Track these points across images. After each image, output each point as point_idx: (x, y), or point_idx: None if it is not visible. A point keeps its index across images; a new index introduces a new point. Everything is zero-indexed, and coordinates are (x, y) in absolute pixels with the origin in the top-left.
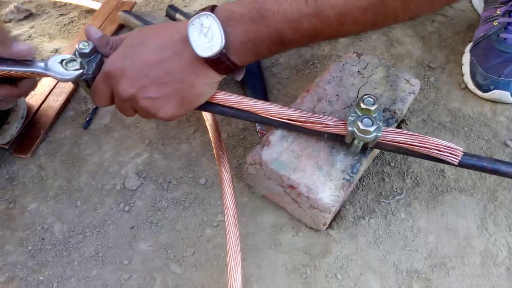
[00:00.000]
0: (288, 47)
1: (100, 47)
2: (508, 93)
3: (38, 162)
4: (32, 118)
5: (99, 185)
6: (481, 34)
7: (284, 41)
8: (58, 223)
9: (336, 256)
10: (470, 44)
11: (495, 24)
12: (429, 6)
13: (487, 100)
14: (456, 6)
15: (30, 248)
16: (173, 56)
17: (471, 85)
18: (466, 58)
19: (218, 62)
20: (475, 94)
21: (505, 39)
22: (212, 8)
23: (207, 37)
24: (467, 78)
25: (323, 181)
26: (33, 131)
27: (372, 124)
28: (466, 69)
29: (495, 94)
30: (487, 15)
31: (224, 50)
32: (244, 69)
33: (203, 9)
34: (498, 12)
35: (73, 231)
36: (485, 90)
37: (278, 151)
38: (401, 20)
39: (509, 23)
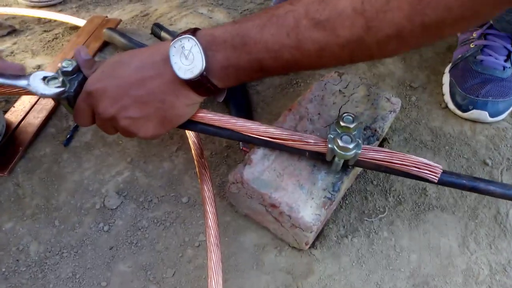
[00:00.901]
0: (269, 74)
1: (84, 68)
2: (486, 113)
3: (15, 180)
4: (11, 134)
5: (78, 204)
6: (459, 56)
7: (264, 68)
8: (34, 243)
9: (319, 276)
10: (450, 65)
11: (472, 46)
12: (403, 48)
13: (466, 119)
14: None
15: (3, 270)
16: (154, 76)
17: (451, 105)
18: (446, 79)
19: (198, 84)
20: (455, 114)
21: (482, 60)
22: (194, 31)
23: (188, 59)
24: (447, 98)
25: (305, 200)
26: (11, 148)
27: (351, 141)
28: (446, 89)
29: (474, 113)
30: (464, 37)
31: (204, 73)
32: (225, 91)
33: (185, 32)
34: (474, 35)
35: (49, 252)
36: (464, 110)
37: (259, 169)
38: (376, 58)
39: (485, 46)
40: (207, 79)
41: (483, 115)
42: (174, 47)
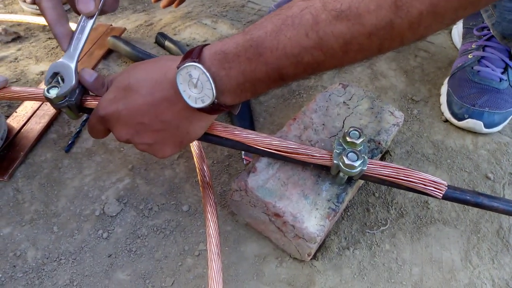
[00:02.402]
0: (288, 82)
1: (95, 91)
2: (481, 123)
3: (15, 185)
4: (12, 140)
5: (78, 210)
6: (457, 66)
7: (284, 76)
8: (32, 249)
9: None
10: (448, 77)
11: (470, 57)
12: (439, 26)
13: (463, 129)
14: (438, 43)
15: (0, 275)
16: (165, 103)
17: (447, 114)
18: (444, 89)
19: (211, 109)
20: (451, 123)
21: (479, 71)
22: (200, 53)
23: (197, 88)
24: (444, 107)
25: (309, 210)
26: (12, 153)
27: (357, 159)
28: (443, 98)
29: (469, 123)
30: (464, 48)
31: (216, 101)
32: (240, 105)
33: (190, 54)
34: (473, 46)
35: (47, 258)
36: (460, 118)
37: (264, 178)
38: (407, 43)
39: (482, 57)
40: (219, 104)
41: (478, 125)
42: (181, 74)
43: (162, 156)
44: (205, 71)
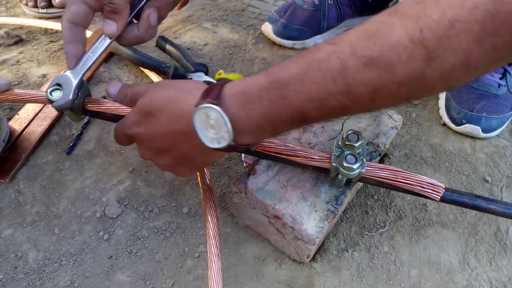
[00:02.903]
0: (311, 123)
1: (120, 102)
2: (479, 128)
3: (16, 187)
4: (14, 142)
5: (79, 212)
6: None
7: (307, 119)
8: (33, 250)
9: None
10: None
11: None
12: (469, 77)
13: (461, 134)
14: None
15: (1, 276)
16: (181, 136)
17: (445, 118)
18: (442, 93)
19: (227, 149)
20: (449, 128)
21: None
22: (219, 92)
23: (214, 129)
24: (442, 111)
25: (308, 212)
26: (14, 155)
27: (356, 161)
28: (442, 103)
29: (467, 128)
30: None
31: (232, 143)
32: (257, 143)
33: (210, 93)
34: None
35: (48, 260)
36: (458, 123)
37: (263, 180)
38: (436, 92)
39: None
40: (235, 146)
41: (476, 130)
42: (198, 114)
43: (183, 176)
44: (223, 114)
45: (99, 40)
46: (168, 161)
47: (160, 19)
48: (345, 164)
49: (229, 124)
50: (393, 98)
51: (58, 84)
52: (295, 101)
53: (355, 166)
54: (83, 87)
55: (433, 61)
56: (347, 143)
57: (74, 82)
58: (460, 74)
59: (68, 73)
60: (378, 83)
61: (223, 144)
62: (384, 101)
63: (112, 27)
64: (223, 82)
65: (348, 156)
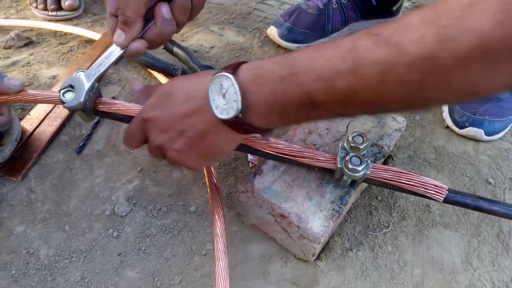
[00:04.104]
0: (320, 112)
1: (142, 98)
2: (482, 131)
3: (28, 185)
4: (26, 141)
5: (89, 210)
6: None
7: (315, 103)
8: (44, 247)
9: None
10: None
11: None
12: (493, 71)
13: (464, 137)
14: None
15: (13, 272)
16: (196, 111)
17: (449, 121)
18: None
19: (235, 124)
20: (452, 130)
21: None
22: (237, 66)
23: (225, 98)
24: (446, 114)
25: (314, 211)
26: (25, 154)
27: (361, 163)
28: (445, 106)
29: (470, 131)
30: None
31: (240, 115)
32: (272, 132)
33: (228, 67)
34: None
35: (59, 256)
36: (461, 126)
37: (270, 180)
38: (456, 88)
39: None
40: (244, 121)
41: (479, 133)
42: (214, 83)
43: (191, 166)
44: (234, 82)
45: (114, 47)
46: (179, 144)
47: (179, 24)
48: (350, 166)
49: (239, 93)
50: (403, 83)
51: (71, 86)
52: (303, 79)
53: (359, 168)
54: (94, 88)
55: (445, 42)
56: (352, 145)
57: (87, 85)
58: (479, 64)
59: (82, 75)
60: (387, 63)
61: (231, 114)
62: (394, 87)
63: (121, 37)
64: (245, 61)
65: (353, 158)
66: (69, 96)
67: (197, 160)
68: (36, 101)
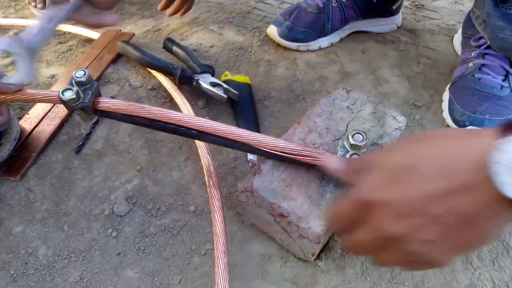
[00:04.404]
0: None
1: (347, 178)
2: None
3: (27, 185)
4: (25, 141)
5: (88, 210)
6: (458, 74)
7: None
8: (43, 247)
9: (323, 287)
10: (450, 83)
11: (471, 65)
12: None
13: None
14: (440, 50)
15: (12, 272)
16: (461, 189)
17: (449, 120)
18: (446, 96)
19: None
20: None
21: (480, 79)
22: None
23: None
24: (446, 114)
25: (313, 211)
26: (24, 154)
27: None
28: (445, 105)
29: None
30: (464, 57)
31: None
32: None
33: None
34: (473, 54)
35: (58, 256)
36: (461, 126)
37: (269, 179)
38: None
39: (483, 64)
40: None
41: None
42: (501, 151)
43: (437, 263)
44: None
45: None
46: (431, 233)
47: None
48: None
49: None
50: None
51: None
52: None
53: None
54: (94, 87)
55: None
56: (352, 143)
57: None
58: None
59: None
60: None
61: None
62: None
63: None
64: None
65: (353, 156)
66: (68, 94)
67: (451, 253)
68: (35, 100)
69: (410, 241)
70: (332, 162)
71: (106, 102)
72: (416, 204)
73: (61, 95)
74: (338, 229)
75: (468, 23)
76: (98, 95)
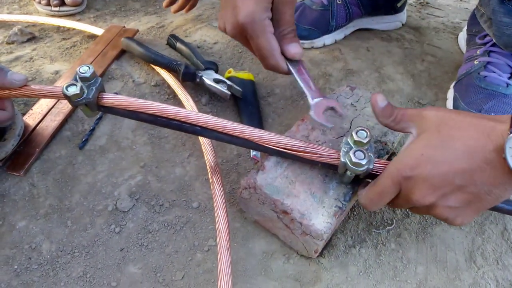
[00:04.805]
0: None
1: (382, 117)
2: None
3: (30, 180)
4: (28, 136)
5: (91, 206)
6: (463, 72)
7: None
8: (47, 242)
9: (326, 285)
10: (455, 81)
11: (476, 62)
12: None
13: None
14: (445, 48)
15: (15, 267)
16: (484, 166)
17: None
18: (450, 94)
19: None
20: None
21: (485, 76)
22: None
23: None
24: None
25: (316, 208)
26: (28, 149)
27: (364, 157)
28: (449, 103)
29: None
30: (469, 55)
31: None
32: None
33: None
34: (478, 52)
35: (61, 251)
36: None
37: (272, 176)
38: None
39: (488, 62)
40: None
41: None
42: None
43: (459, 224)
44: None
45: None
46: (455, 200)
47: None
48: (353, 160)
49: None
50: None
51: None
52: None
53: (363, 162)
54: (98, 82)
55: None
56: (356, 139)
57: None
58: None
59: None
60: None
61: None
62: None
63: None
64: None
65: (357, 152)
66: (72, 90)
67: (471, 216)
68: (39, 96)
69: (438, 207)
70: (377, 98)
71: (110, 98)
72: (446, 177)
73: (65, 90)
74: (379, 207)
75: (473, 21)
76: (102, 91)
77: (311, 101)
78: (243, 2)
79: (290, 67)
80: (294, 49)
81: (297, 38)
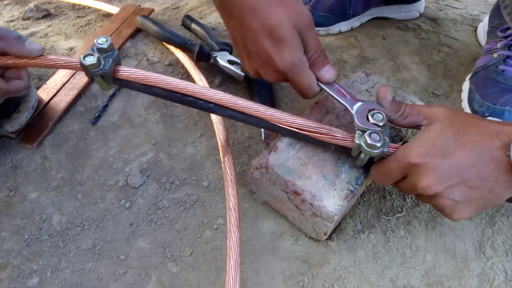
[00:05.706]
0: None
1: (389, 111)
2: None
3: (43, 153)
4: (42, 110)
5: (102, 180)
6: (481, 64)
7: None
8: (57, 214)
9: (334, 267)
10: (471, 73)
11: (495, 56)
12: None
13: None
14: (462, 39)
15: (26, 237)
16: (490, 162)
17: (467, 110)
18: (466, 85)
19: None
20: None
21: (503, 70)
22: None
23: None
24: (465, 103)
25: (328, 190)
26: (41, 123)
27: (380, 140)
28: (464, 95)
29: None
30: (489, 47)
31: None
32: None
33: None
34: (498, 45)
35: (71, 223)
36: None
37: (285, 157)
38: None
39: (508, 56)
40: None
41: None
42: None
43: (457, 218)
44: None
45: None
46: (458, 193)
47: None
48: (368, 142)
49: None
50: None
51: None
52: None
53: (378, 144)
54: (115, 54)
55: None
56: (371, 121)
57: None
58: None
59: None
60: None
61: None
62: None
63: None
64: None
65: (373, 134)
66: (90, 60)
67: (469, 212)
68: (55, 66)
69: (442, 198)
70: (383, 91)
71: (126, 71)
72: (453, 170)
73: (82, 60)
74: (383, 184)
75: (496, 12)
76: (119, 63)
77: (352, 110)
78: (278, 50)
79: (321, 85)
80: (328, 74)
81: (327, 59)
